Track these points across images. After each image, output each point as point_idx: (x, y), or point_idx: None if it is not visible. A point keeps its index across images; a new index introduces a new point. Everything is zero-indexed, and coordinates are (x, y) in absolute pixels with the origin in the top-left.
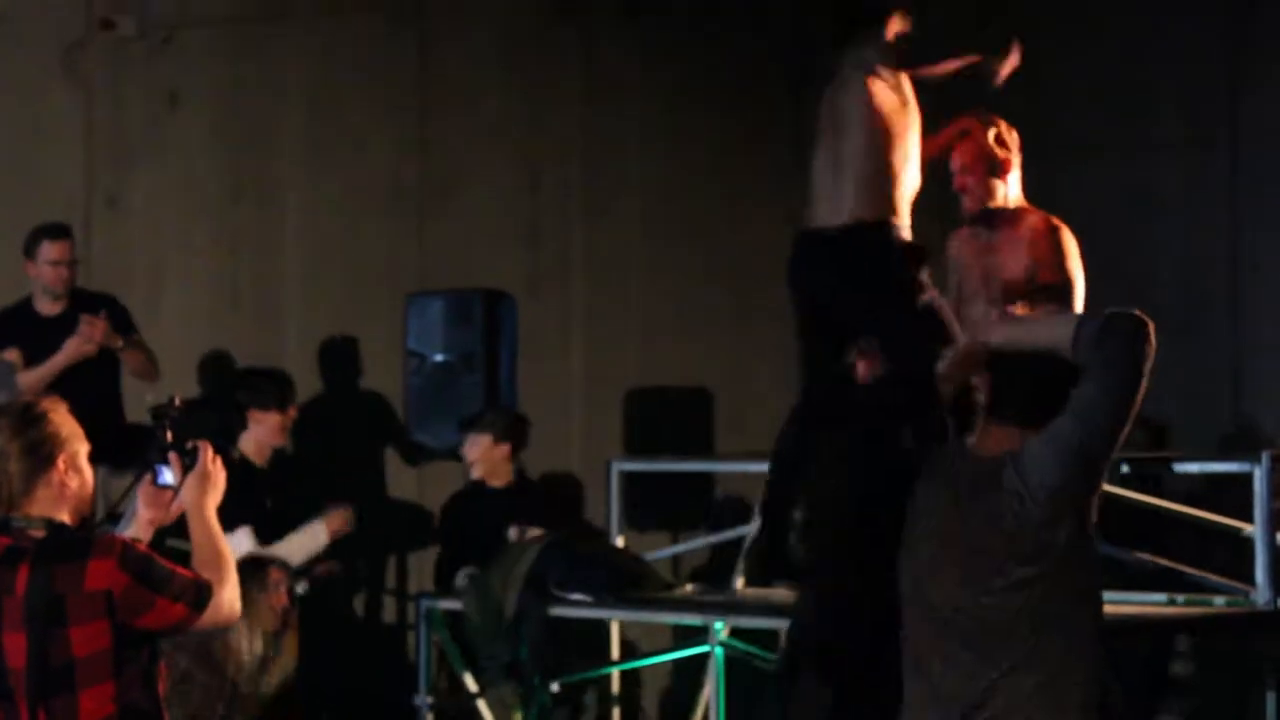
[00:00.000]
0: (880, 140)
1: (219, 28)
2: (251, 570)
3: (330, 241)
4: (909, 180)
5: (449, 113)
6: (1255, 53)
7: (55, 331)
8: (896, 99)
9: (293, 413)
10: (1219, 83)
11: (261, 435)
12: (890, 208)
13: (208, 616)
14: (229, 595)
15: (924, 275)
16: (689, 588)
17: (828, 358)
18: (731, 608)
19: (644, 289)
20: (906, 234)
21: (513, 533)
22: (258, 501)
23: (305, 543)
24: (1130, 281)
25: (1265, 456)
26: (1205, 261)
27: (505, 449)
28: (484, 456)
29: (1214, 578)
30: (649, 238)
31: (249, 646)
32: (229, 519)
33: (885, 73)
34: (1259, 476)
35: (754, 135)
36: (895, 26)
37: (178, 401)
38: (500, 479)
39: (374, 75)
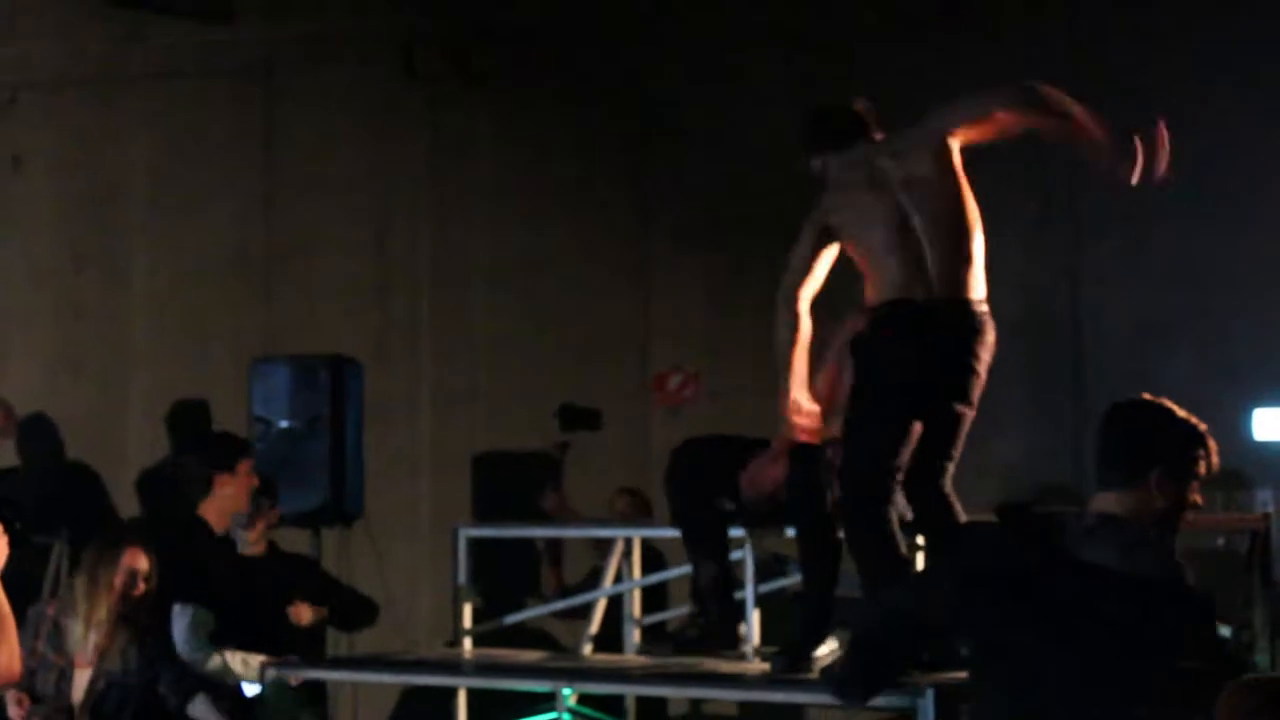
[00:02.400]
0: None
1: (62, 89)
2: (104, 546)
3: (175, 307)
4: None
5: (295, 177)
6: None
7: None
8: None
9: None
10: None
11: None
12: None
13: None
14: (5, 656)
15: None
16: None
17: None
18: (580, 674)
19: (491, 354)
20: None
21: None
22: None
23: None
24: None
25: None
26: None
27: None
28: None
29: None
30: (496, 303)
31: (84, 631)
32: None
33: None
34: None
35: (601, 199)
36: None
37: None
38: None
39: (219, 139)
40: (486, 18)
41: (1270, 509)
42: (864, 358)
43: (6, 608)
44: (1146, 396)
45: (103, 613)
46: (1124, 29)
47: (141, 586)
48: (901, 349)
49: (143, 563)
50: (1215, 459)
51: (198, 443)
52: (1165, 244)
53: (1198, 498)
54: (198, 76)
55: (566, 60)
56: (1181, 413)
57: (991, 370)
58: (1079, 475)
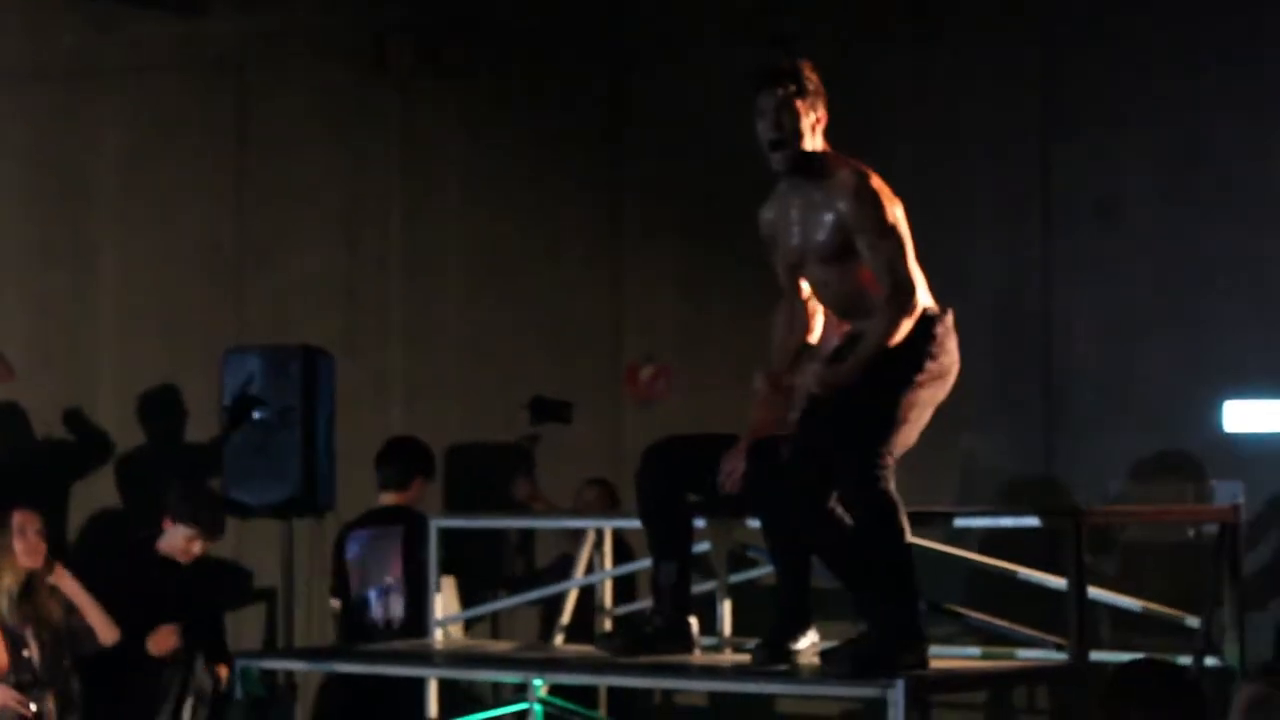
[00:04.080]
0: None
1: (32, 82)
2: None
3: (146, 299)
4: None
5: (267, 170)
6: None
7: None
8: None
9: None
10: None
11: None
12: None
13: None
14: None
15: None
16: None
17: None
18: (551, 664)
19: (463, 346)
20: None
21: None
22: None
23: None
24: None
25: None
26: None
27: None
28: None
29: (1024, 630)
30: (467, 295)
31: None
32: None
33: None
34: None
35: (573, 195)
36: None
37: None
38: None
39: (190, 132)
40: (458, 11)
41: (1241, 501)
42: (894, 367)
43: None
44: None
45: (7, 578)
46: (1093, 25)
47: (37, 540)
48: (930, 361)
49: (33, 522)
50: None
51: (406, 444)
52: (1135, 234)
53: None
54: (169, 70)
55: (538, 53)
56: None
57: (962, 363)
58: (1049, 470)
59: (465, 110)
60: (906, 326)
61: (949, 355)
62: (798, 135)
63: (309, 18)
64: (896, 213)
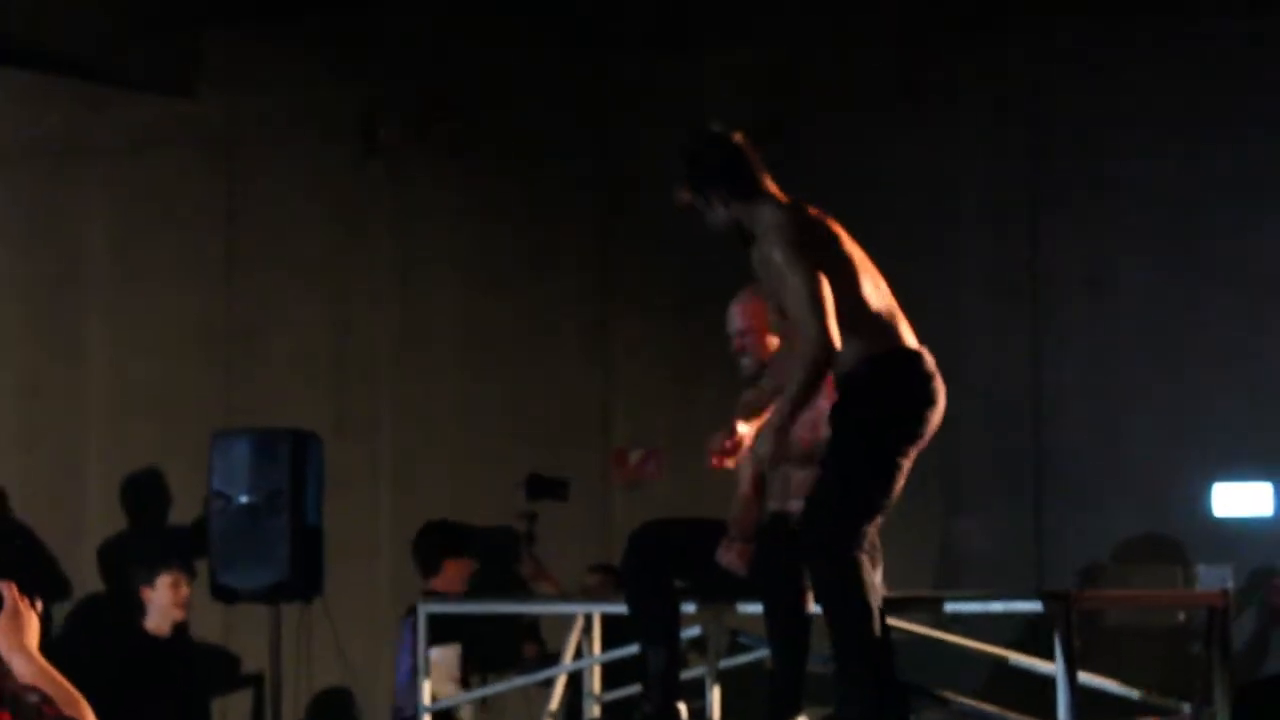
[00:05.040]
0: None
1: (21, 161)
2: None
3: (135, 380)
4: None
5: (256, 250)
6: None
7: None
8: None
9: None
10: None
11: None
12: None
13: None
14: None
15: None
16: None
17: None
18: None
19: (452, 427)
20: None
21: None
22: None
23: None
24: None
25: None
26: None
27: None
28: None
29: (1014, 716)
30: (458, 376)
31: None
32: None
33: None
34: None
35: (566, 273)
36: None
37: None
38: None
39: (180, 212)
40: (447, 88)
41: (1230, 585)
42: (865, 407)
43: (68, 683)
44: None
45: None
46: (1081, 102)
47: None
48: (903, 401)
49: None
50: None
51: (432, 530)
52: (1125, 312)
53: None
54: (158, 149)
55: (529, 130)
56: None
57: (951, 443)
58: (1039, 552)
59: (455, 188)
60: (819, 368)
61: (938, 394)
62: (728, 223)
63: (298, 97)
64: (801, 251)
